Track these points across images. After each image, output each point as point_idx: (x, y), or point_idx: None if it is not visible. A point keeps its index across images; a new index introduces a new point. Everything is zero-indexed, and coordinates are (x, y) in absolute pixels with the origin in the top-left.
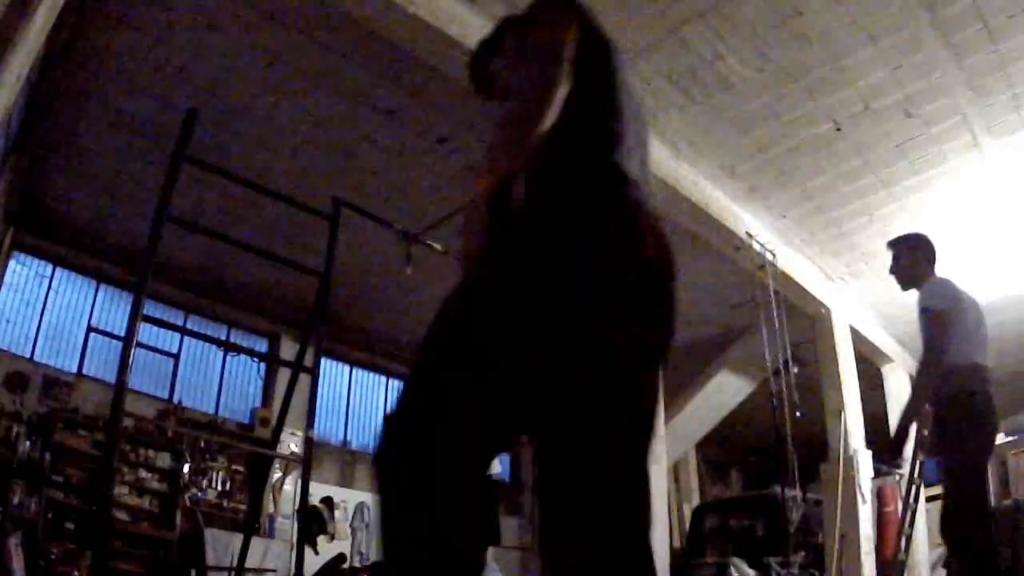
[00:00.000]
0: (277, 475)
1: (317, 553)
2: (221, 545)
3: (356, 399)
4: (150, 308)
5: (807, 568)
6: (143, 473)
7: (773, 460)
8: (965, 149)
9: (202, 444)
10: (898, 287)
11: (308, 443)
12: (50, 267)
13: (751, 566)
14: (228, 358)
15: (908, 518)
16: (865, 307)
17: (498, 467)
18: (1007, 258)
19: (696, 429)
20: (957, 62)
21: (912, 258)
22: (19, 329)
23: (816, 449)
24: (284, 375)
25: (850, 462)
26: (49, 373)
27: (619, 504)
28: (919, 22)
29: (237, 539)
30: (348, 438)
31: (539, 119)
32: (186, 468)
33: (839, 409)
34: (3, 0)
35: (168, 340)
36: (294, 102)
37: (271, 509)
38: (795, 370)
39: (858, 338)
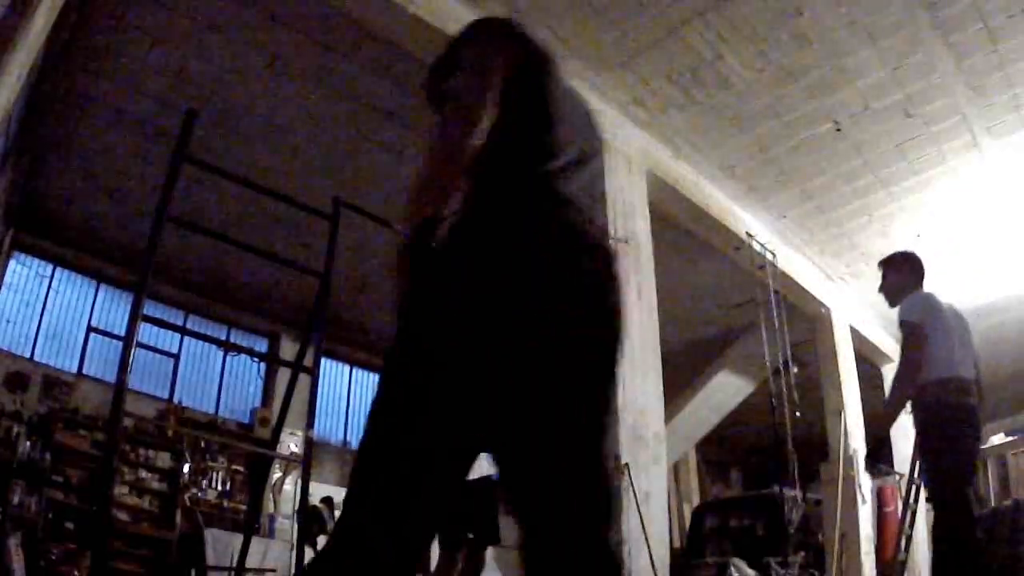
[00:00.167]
0: (277, 475)
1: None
2: (221, 545)
3: (356, 399)
4: (150, 308)
5: (807, 568)
6: (143, 473)
7: (773, 460)
8: (965, 149)
9: (202, 444)
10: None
11: (308, 443)
12: (50, 267)
13: (751, 566)
14: (228, 358)
15: (908, 518)
16: (865, 307)
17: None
18: (1007, 258)
19: (696, 429)
20: (957, 62)
21: (897, 275)
22: (19, 329)
23: (816, 449)
24: (284, 375)
25: (850, 462)
26: (49, 373)
27: (580, 502)
28: (919, 22)
29: (237, 539)
30: (348, 438)
31: (460, 160)
32: (186, 468)
33: (839, 409)
34: (3, 0)
35: (168, 340)
36: (294, 102)
37: (271, 509)
38: (795, 370)
39: (858, 338)
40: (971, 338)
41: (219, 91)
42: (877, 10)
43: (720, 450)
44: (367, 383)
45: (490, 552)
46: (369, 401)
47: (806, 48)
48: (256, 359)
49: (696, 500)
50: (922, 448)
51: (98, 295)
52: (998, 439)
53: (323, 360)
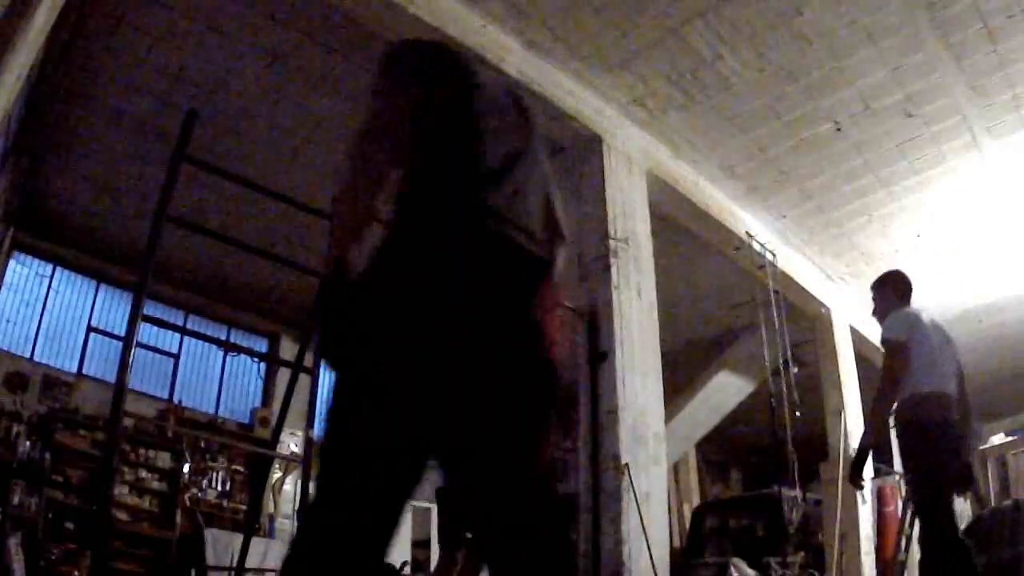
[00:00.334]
0: (277, 475)
1: None
2: (221, 545)
3: None
4: (150, 308)
5: (807, 568)
6: (143, 473)
7: (773, 460)
8: (965, 149)
9: (202, 444)
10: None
11: (308, 443)
12: (50, 267)
13: (751, 566)
14: (228, 358)
15: (908, 518)
16: (865, 307)
17: None
18: (1007, 258)
19: (696, 429)
20: (957, 62)
21: (882, 297)
22: (19, 329)
23: (816, 449)
24: (284, 375)
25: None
26: (49, 373)
27: (512, 504)
28: (919, 22)
29: (237, 539)
30: None
31: (361, 208)
32: (186, 468)
33: (839, 409)
34: (3, 1)
35: (168, 340)
36: (294, 102)
37: (271, 509)
38: (795, 370)
39: (858, 338)
40: (954, 352)
41: (219, 91)
42: (877, 10)
43: (720, 450)
44: None
45: None
46: None
47: (806, 48)
48: (256, 359)
49: (696, 500)
50: (903, 459)
51: (98, 295)
52: (998, 439)
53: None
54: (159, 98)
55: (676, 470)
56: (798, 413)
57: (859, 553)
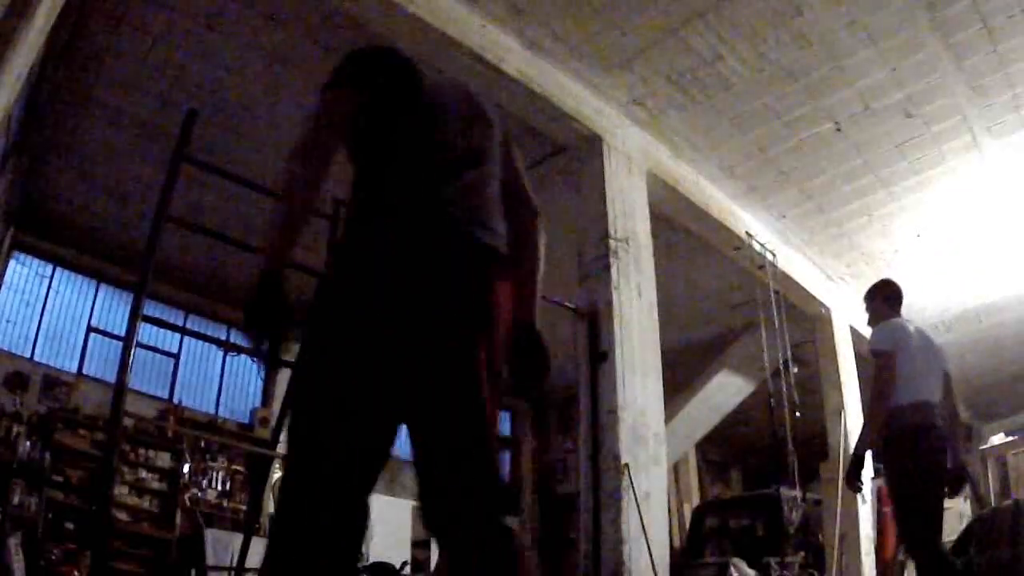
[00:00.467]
0: (277, 475)
1: None
2: (221, 545)
3: None
4: (150, 308)
5: (807, 568)
6: (143, 473)
7: (773, 460)
8: (965, 149)
9: (202, 444)
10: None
11: None
12: (50, 267)
13: (751, 566)
14: (228, 358)
15: None
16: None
17: None
18: (1007, 258)
19: (696, 429)
20: (957, 62)
21: (872, 308)
22: (19, 329)
23: (816, 449)
24: (284, 375)
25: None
26: (49, 373)
27: (478, 460)
28: (919, 22)
29: (237, 539)
30: None
31: (289, 213)
32: (186, 468)
33: (839, 409)
34: (3, 1)
35: (168, 340)
36: (294, 102)
37: (271, 509)
38: (795, 370)
39: (858, 338)
40: (940, 361)
41: (219, 91)
42: (877, 10)
43: (720, 450)
44: None
45: None
46: None
47: (806, 48)
48: (256, 359)
49: (696, 500)
50: (884, 466)
51: (98, 295)
52: (998, 439)
53: None
54: (159, 98)
55: (676, 470)
56: (798, 413)
57: (859, 553)
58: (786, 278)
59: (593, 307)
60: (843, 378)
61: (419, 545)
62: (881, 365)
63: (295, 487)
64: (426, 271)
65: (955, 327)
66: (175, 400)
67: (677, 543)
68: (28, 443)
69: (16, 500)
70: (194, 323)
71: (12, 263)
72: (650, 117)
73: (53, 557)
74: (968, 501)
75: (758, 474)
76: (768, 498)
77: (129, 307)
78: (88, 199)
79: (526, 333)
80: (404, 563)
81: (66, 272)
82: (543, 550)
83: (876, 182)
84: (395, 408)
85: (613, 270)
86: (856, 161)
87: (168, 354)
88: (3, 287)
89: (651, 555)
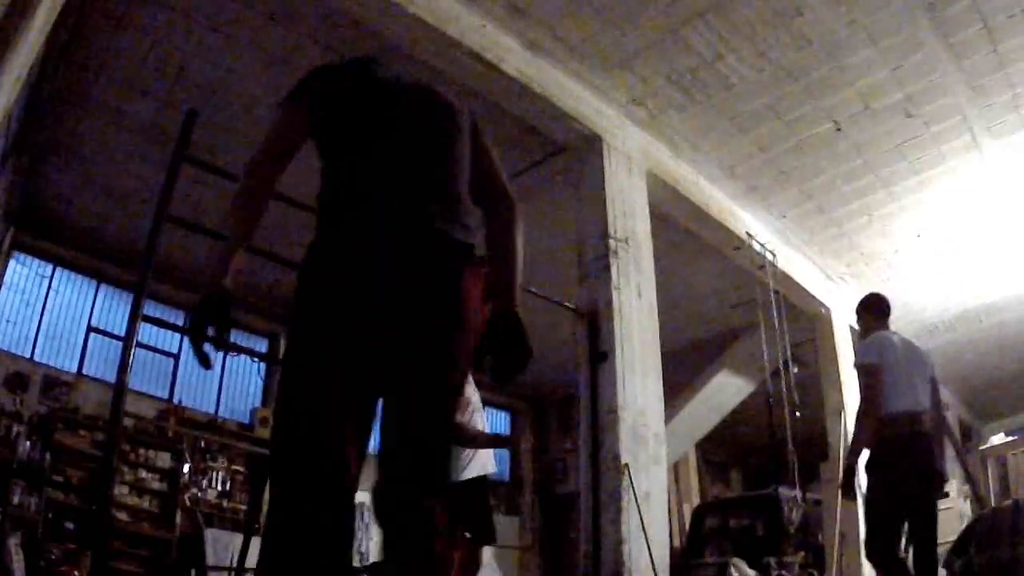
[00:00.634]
0: None
1: None
2: (221, 545)
3: None
4: (150, 308)
5: (807, 568)
6: (143, 473)
7: (773, 460)
8: (965, 149)
9: (202, 444)
10: (900, 290)
11: None
12: (50, 267)
13: (751, 566)
14: (228, 358)
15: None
16: None
17: (494, 466)
18: (1007, 258)
19: (696, 429)
20: (957, 62)
21: (861, 317)
22: (19, 329)
23: (816, 449)
24: None
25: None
26: (49, 373)
27: (437, 429)
28: (919, 22)
29: (237, 539)
30: None
31: (238, 222)
32: (186, 468)
33: (839, 409)
34: (3, 0)
35: (168, 340)
36: None
37: None
38: (795, 370)
39: (858, 338)
40: (926, 369)
41: (219, 91)
42: (877, 10)
43: (720, 450)
44: None
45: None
46: None
47: (806, 48)
48: (256, 359)
49: (696, 500)
50: (866, 469)
51: (98, 295)
52: (998, 439)
53: None
54: (159, 98)
55: (676, 470)
56: (798, 413)
57: (859, 553)
58: (786, 278)
59: (593, 307)
60: (843, 378)
61: None
62: (867, 379)
63: (282, 467)
64: (396, 267)
65: (955, 327)
66: (175, 400)
67: (677, 543)
68: (28, 443)
69: (16, 500)
70: None
71: (12, 263)
72: (650, 117)
73: (53, 557)
74: (968, 501)
75: (758, 474)
76: (768, 498)
77: (129, 307)
78: (88, 199)
79: (506, 322)
80: None
81: (66, 272)
82: (543, 550)
83: (876, 182)
84: (372, 391)
85: (613, 270)
86: (856, 161)
87: (168, 354)
88: (3, 287)
89: (651, 555)
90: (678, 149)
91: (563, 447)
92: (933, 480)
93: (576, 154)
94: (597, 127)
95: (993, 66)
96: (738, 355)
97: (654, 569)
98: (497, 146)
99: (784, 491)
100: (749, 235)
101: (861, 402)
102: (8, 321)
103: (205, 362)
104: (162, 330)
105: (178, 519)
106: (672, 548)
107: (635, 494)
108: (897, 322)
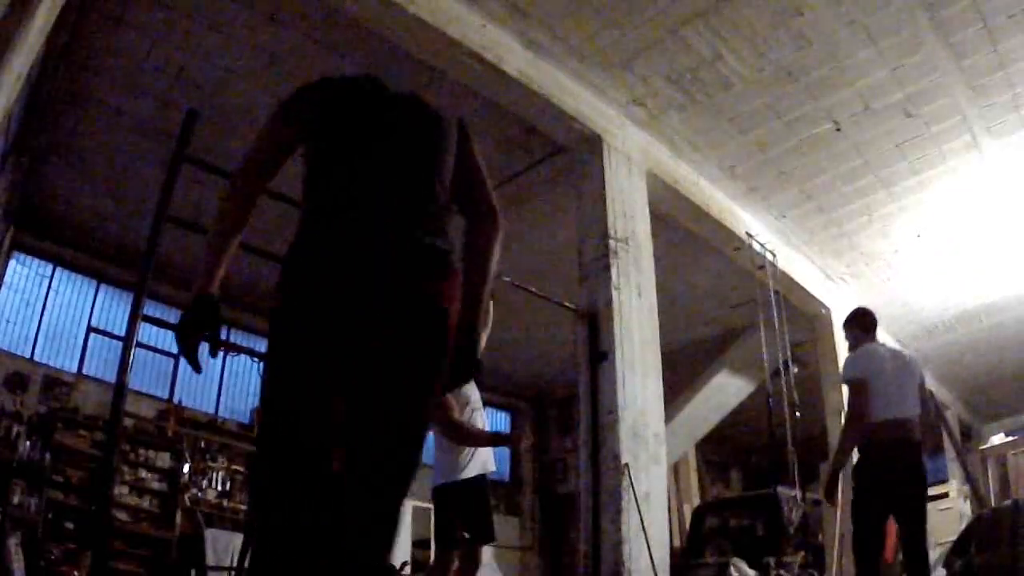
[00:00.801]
0: None
1: None
2: (221, 545)
3: None
4: (150, 308)
5: (807, 568)
6: (143, 473)
7: (773, 460)
8: (965, 149)
9: (202, 444)
10: (900, 290)
11: None
12: (50, 267)
13: (751, 566)
14: (228, 358)
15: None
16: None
17: (494, 465)
18: (1007, 258)
19: (696, 429)
20: (957, 62)
21: (850, 331)
22: (19, 329)
23: (816, 449)
24: None
25: (850, 462)
26: (49, 373)
27: (409, 428)
28: (919, 22)
29: (237, 539)
30: None
31: (223, 232)
32: (186, 468)
33: (839, 409)
34: (3, 0)
35: (168, 340)
36: None
37: None
38: (795, 370)
39: None
40: (915, 377)
41: (219, 91)
42: (877, 10)
43: (720, 450)
44: None
45: (488, 551)
46: None
47: (806, 48)
48: (256, 359)
49: (696, 500)
50: (853, 473)
51: (98, 295)
52: (998, 439)
53: None
54: (159, 98)
55: (676, 470)
56: (798, 413)
57: None
58: (786, 278)
59: (593, 307)
60: None
61: (419, 545)
62: (854, 394)
63: (270, 467)
64: (378, 275)
65: (955, 327)
66: (175, 400)
67: (677, 543)
68: (28, 443)
69: (16, 500)
70: None
71: (12, 263)
72: (650, 117)
73: (53, 557)
74: (968, 501)
75: (758, 474)
76: (768, 498)
77: (129, 307)
78: (88, 199)
79: (462, 335)
80: (404, 563)
81: (66, 272)
82: (543, 550)
83: (876, 182)
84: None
85: (613, 270)
86: (856, 161)
87: (168, 354)
88: (3, 287)
89: (651, 555)
90: (678, 149)
91: (563, 447)
92: (920, 481)
93: (576, 154)
94: (597, 127)
95: (993, 66)
96: (738, 355)
97: (654, 569)
98: (497, 146)
99: (784, 491)
100: (749, 235)
101: (847, 413)
102: (8, 321)
103: (196, 367)
104: (162, 330)
105: (178, 519)
106: (672, 548)
107: (635, 494)
108: (897, 322)
